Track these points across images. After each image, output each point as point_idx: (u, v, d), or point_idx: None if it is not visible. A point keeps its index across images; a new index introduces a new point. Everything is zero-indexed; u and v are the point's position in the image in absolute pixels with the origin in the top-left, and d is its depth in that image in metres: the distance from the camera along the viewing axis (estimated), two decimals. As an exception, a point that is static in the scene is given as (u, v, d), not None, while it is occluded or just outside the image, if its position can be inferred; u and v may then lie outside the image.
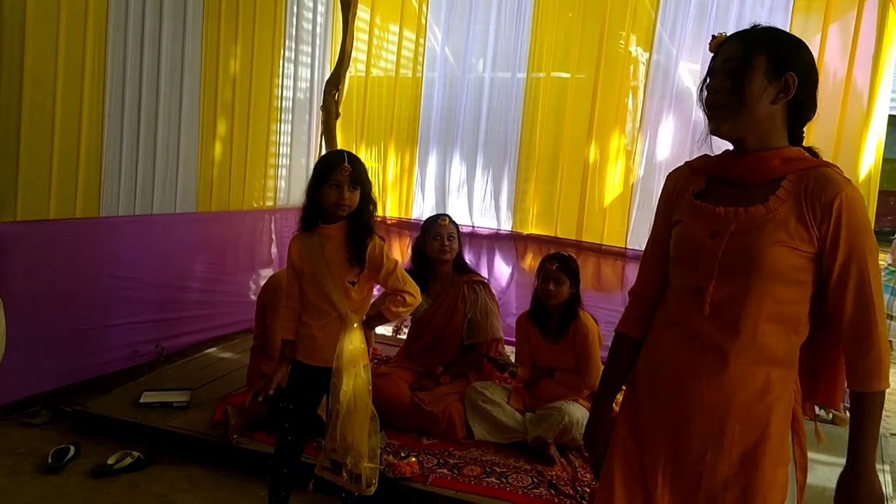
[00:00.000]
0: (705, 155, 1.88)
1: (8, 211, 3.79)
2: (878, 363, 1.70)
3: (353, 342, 2.81)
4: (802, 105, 1.75)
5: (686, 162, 1.96)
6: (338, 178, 2.75)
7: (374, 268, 2.84)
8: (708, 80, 1.78)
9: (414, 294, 2.92)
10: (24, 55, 3.73)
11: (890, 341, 4.82)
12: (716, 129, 1.77)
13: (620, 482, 1.87)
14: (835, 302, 1.69)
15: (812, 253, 1.67)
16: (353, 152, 6.24)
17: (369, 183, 2.87)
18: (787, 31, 1.82)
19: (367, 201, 2.85)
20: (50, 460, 3.52)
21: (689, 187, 1.87)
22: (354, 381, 2.80)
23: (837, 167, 1.72)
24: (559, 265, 3.85)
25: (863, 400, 1.74)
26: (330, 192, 2.77)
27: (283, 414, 2.97)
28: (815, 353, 1.85)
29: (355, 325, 2.83)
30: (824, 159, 1.78)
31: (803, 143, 1.83)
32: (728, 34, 1.79)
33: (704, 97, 1.78)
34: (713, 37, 1.81)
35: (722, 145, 1.88)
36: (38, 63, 3.83)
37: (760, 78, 1.69)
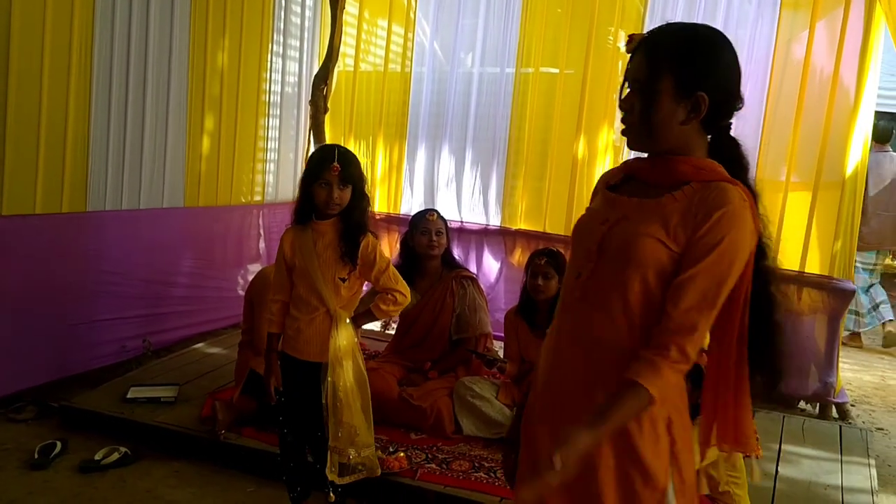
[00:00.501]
0: (638, 157, 1.83)
1: (-7, 205, 3.77)
2: (661, 369, 1.55)
3: (345, 338, 2.81)
4: (718, 114, 1.66)
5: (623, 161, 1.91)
6: (327, 176, 2.74)
7: (367, 266, 2.83)
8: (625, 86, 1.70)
9: (405, 293, 2.92)
10: (9, 47, 3.71)
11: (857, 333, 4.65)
12: (629, 144, 1.73)
13: (522, 479, 1.81)
14: (671, 294, 1.58)
15: (680, 254, 1.59)
16: (345, 147, 6.28)
17: (362, 180, 2.85)
18: (702, 29, 1.70)
19: (360, 198, 2.83)
20: (36, 456, 3.50)
21: (610, 181, 1.84)
22: (351, 373, 2.82)
23: (744, 188, 1.62)
24: (548, 260, 3.86)
25: (634, 388, 1.54)
26: (320, 191, 2.76)
27: (276, 408, 2.98)
28: (717, 394, 1.72)
29: (346, 321, 2.83)
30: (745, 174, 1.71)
31: (730, 143, 1.74)
32: (644, 37, 1.70)
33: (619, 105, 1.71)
34: (630, 38, 1.72)
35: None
36: (24, 55, 3.80)
37: (668, 102, 1.61)
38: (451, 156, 6.02)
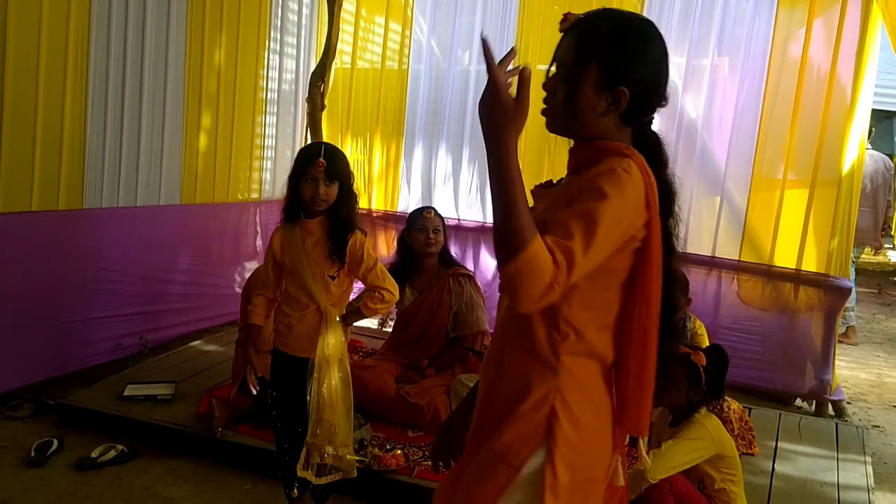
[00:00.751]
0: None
1: (-11, 203, 3.76)
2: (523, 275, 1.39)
3: (334, 336, 2.83)
4: (640, 110, 1.64)
5: None
6: (313, 172, 2.75)
7: (355, 263, 2.85)
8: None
9: (392, 291, 2.91)
10: (5, 44, 3.70)
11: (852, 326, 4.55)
12: (548, 128, 1.70)
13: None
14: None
15: None
16: (339, 145, 6.28)
17: (349, 176, 2.85)
18: (637, 21, 1.66)
19: (347, 195, 2.84)
20: (33, 453, 3.50)
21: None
22: (338, 373, 2.82)
23: (633, 160, 1.55)
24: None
25: None
26: (306, 187, 2.78)
27: (270, 403, 3.01)
28: (621, 381, 1.64)
29: (337, 319, 2.84)
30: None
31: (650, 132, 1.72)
32: (578, 18, 1.65)
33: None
34: (564, 17, 1.66)
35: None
36: (20, 53, 3.80)
37: (590, 91, 1.59)
38: (448, 153, 6.01)
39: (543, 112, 1.68)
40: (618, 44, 1.60)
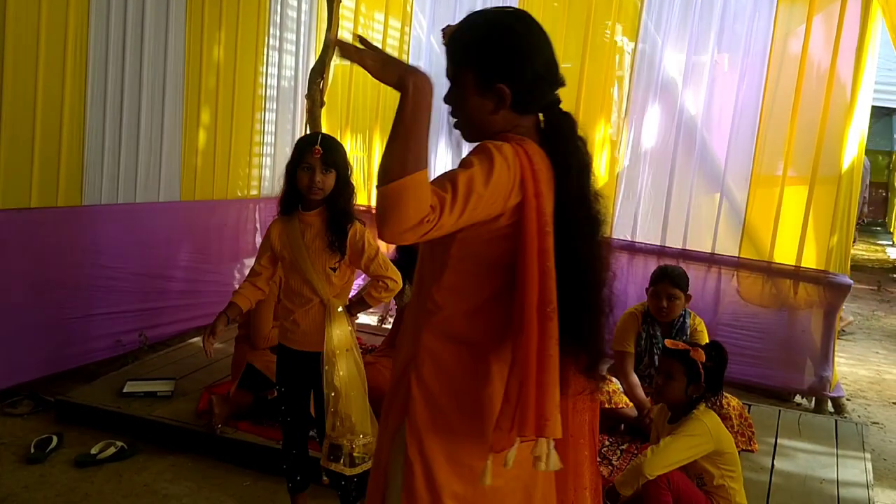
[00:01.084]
0: None
1: (-11, 199, 3.76)
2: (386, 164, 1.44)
3: (340, 327, 2.82)
4: (529, 96, 1.67)
5: None
6: (309, 160, 2.74)
7: (356, 254, 2.83)
8: None
9: (396, 279, 2.91)
10: (4, 41, 3.69)
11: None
12: (464, 138, 1.76)
13: None
14: None
15: None
16: (341, 141, 6.26)
17: (346, 167, 2.83)
18: (501, 19, 1.71)
19: (345, 185, 2.82)
20: (32, 450, 3.50)
21: None
22: (347, 363, 2.81)
23: (510, 143, 1.58)
24: None
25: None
26: (302, 175, 2.76)
27: (278, 399, 3.01)
28: (520, 377, 1.58)
29: (339, 310, 2.83)
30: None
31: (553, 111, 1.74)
32: (452, 30, 1.72)
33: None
34: (442, 32, 1.75)
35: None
36: (19, 49, 3.79)
37: (474, 97, 1.66)
38: (447, 149, 6.00)
39: (454, 126, 1.75)
40: (483, 46, 1.65)
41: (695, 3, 5.13)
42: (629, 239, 5.37)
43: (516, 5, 5.60)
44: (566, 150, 1.70)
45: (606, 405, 3.85)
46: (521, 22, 1.69)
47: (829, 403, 4.88)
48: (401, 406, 1.68)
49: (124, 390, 3.98)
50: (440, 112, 5.28)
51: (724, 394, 3.62)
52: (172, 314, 5.04)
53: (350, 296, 2.98)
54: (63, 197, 4.19)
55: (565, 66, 5.77)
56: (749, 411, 4.03)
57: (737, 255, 5.07)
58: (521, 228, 1.56)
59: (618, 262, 5.40)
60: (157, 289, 4.93)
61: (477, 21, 1.72)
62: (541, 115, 1.73)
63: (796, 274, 4.89)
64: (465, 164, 1.54)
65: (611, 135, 5.47)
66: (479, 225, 1.56)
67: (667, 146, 5.28)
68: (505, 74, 1.63)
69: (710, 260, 5.13)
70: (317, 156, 2.73)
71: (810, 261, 4.87)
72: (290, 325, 2.88)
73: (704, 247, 5.16)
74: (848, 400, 5.07)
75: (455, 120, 1.74)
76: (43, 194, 4.06)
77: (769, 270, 4.98)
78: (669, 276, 4.05)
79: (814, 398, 4.92)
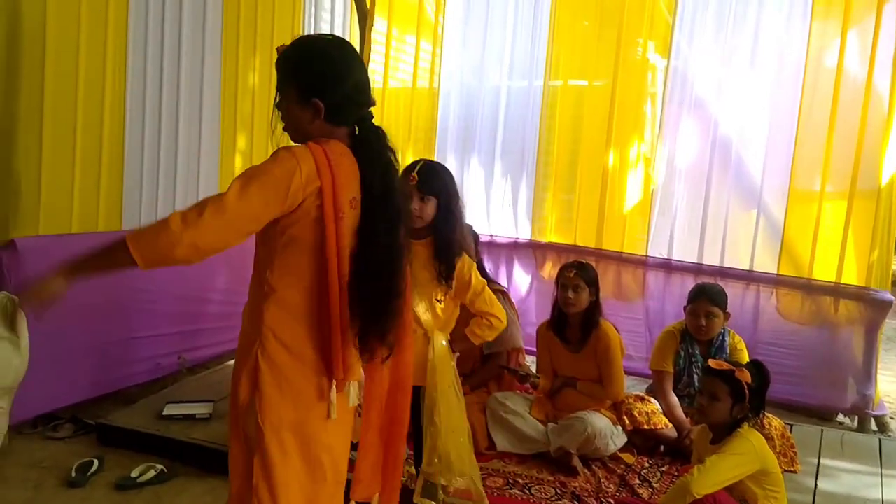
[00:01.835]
0: None
1: (30, 225, 3.82)
2: (155, 233, 1.88)
3: (443, 361, 2.73)
4: (339, 111, 2.00)
5: None
6: (407, 187, 2.63)
7: (462, 287, 2.75)
8: None
9: (500, 318, 2.81)
10: (44, 69, 3.77)
11: None
12: (292, 140, 2.06)
13: None
14: None
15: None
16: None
17: (449, 195, 2.73)
18: (320, 44, 2.08)
19: (447, 214, 2.71)
20: (74, 474, 3.53)
21: None
22: (449, 400, 2.72)
23: (308, 145, 1.94)
24: (577, 272, 3.83)
25: (118, 243, 1.89)
26: None
27: None
28: (330, 334, 1.97)
29: (442, 343, 2.74)
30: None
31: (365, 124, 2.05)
32: (285, 49, 2.04)
33: None
34: (277, 50, 2.04)
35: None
36: (59, 78, 3.86)
37: (295, 108, 2.00)
38: (480, 169, 6.02)
39: (283, 129, 2.08)
40: (302, 65, 2.00)
41: (727, 19, 5.11)
42: (665, 257, 5.33)
43: (548, 23, 5.64)
44: (370, 153, 2.01)
45: (645, 426, 3.81)
46: (338, 49, 2.04)
47: (873, 422, 4.79)
48: (250, 380, 2.00)
49: (164, 413, 4.01)
50: (473, 130, 5.29)
51: (766, 413, 3.56)
52: (210, 337, 5.08)
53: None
54: (103, 222, 4.25)
55: (597, 83, 5.85)
56: (791, 431, 3.97)
57: (775, 272, 5.01)
58: (321, 213, 1.90)
59: (655, 280, 5.37)
60: (195, 312, 4.97)
61: (303, 44, 2.09)
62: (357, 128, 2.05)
63: (836, 291, 4.82)
64: (259, 167, 1.91)
65: (644, 152, 5.45)
66: (292, 213, 1.90)
67: (702, 162, 5.24)
68: (319, 92, 1.96)
69: (749, 277, 5.07)
70: (412, 182, 2.64)
71: (851, 277, 4.79)
72: None
73: (742, 264, 5.11)
74: (892, 418, 4.97)
75: (284, 124, 2.06)
76: (83, 220, 4.12)
77: (809, 287, 4.91)
78: (707, 294, 4.01)
79: (857, 417, 4.83)
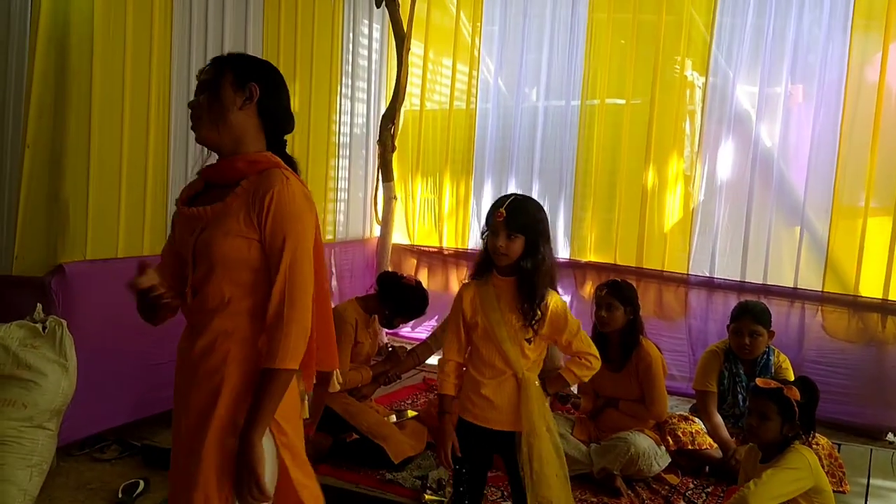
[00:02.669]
0: (210, 164, 2.15)
1: (78, 250, 3.90)
2: (284, 342, 1.88)
3: (538, 403, 2.61)
4: (273, 114, 2.04)
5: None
6: (494, 224, 2.57)
7: (556, 328, 2.63)
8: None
9: (598, 357, 2.70)
10: (91, 100, 3.86)
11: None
12: (198, 137, 2.06)
13: None
14: (272, 277, 1.92)
15: (258, 240, 1.93)
16: (409, 185, 6.38)
17: (537, 232, 2.59)
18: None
19: (534, 252, 2.57)
20: (120, 495, 3.58)
21: (191, 193, 2.15)
22: (546, 443, 2.61)
23: (286, 169, 1.99)
24: (609, 291, 3.81)
25: (267, 375, 1.89)
26: (489, 238, 2.59)
27: (456, 477, 2.80)
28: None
29: (535, 384, 2.63)
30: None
31: (285, 152, 2.11)
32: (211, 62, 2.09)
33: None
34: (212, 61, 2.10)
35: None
36: (105, 108, 3.95)
37: (228, 89, 2.00)
38: (517, 189, 6.03)
39: (193, 125, 2.08)
40: (246, 59, 2.12)
41: (766, 35, 5.08)
42: (707, 275, 5.28)
43: (584, 42, 5.65)
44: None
45: (690, 446, 3.76)
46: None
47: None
48: (209, 395, 1.95)
49: (207, 435, 4.04)
50: (510, 150, 5.31)
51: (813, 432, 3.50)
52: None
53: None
54: (148, 246, 4.32)
55: (635, 102, 5.86)
56: (839, 451, 3.89)
57: (820, 289, 4.93)
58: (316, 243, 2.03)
59: (697, 298, 5.32)
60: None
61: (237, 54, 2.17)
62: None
63: (884, 307, 4.72)
64: (293, 236, 1.95)
65: (684, 169, 5.41)
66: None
67: (743, 180, 5.20)
68: (258, 77, 2.05)
69: (793, 295, 5.00)
70: (499, 219, 2.56)
71: (899, 293, 4.71)
72: (479, 400, 2.65)
73: (786, 281, 5.04)
74: (944, 438, 4.84)
75: (194, 122, 2.09)
76: (129, 244, 4.20)
77: (855, 304, 4.82)
78: (751, 313, 3.96)
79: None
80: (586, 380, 2.78)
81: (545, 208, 5.88)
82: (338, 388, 2.26)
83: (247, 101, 2.00)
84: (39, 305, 3.46)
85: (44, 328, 3.38)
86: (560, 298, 2.66)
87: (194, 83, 4.61)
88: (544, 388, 2.67)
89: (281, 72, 2.15)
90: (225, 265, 1.94)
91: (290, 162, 2.08)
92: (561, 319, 2.62)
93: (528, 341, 2.60)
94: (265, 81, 2.04)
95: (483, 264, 2.67)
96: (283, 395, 1.91)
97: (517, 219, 2.55)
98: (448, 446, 2.68)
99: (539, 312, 2.57)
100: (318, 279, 2.01)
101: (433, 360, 4.53)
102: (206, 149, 2.09)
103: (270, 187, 1.92)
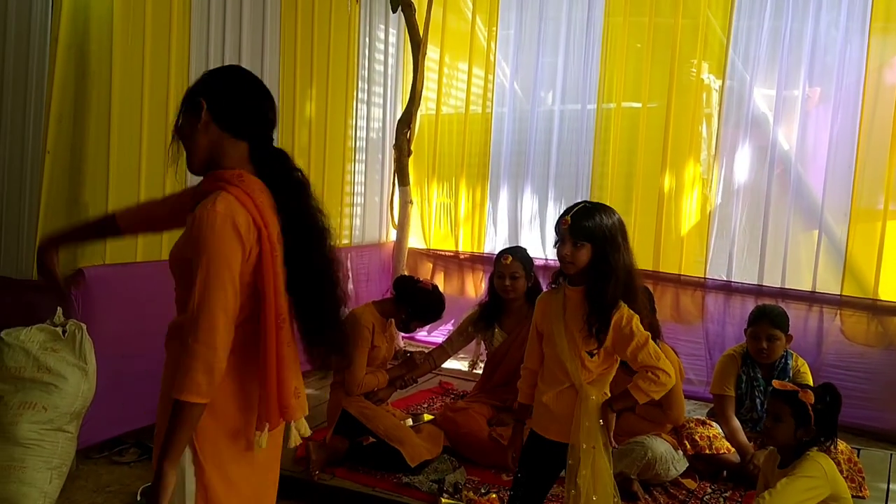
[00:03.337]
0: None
1: (97, 254, 3.93)
2: (185, 373, 1.76)
3: (590, 419, 2.53)
4: (233, 119, 1.94)
5: None
6: (560, 230, 2.53)
7: (622, 341, 2.53)
8: None
9: (668, 372, 2.55)
10: (110, 104, 3.89)
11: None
12: (192, 172, 2.02)
13: None
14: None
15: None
16: (425, 189, 6.39)
17: (605, 239, 2.49)
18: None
19: (602, 262, 2.49)
20: (139, 497, 3.59)
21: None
22: (593, 463, 2.53)
23: (234, 188, 1.84)
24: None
25: (173, 405, 1.80)
26: (558, 247, 2.54)
27: (514, 482, 2.79)
28: (264, 376, 1.90)
29: (592, 398, 2.54)
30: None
31: (269, 150, 2.01)
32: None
33: None
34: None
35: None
36: (124, 114, 3.99)
37: (185, 117, 1.96)
38: (533, 193, 6.04)
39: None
40: (208, 76, 2.01)
41: (783, 37, 5.06)
42: (725, 279, 5.26)
43: (599, 46, 5.65)
44: (279, 178, 1.96)
45: (707, 450, 3.74)
46: (245, 74, 2.06)
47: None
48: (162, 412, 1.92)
49: (224, 438, 4.06)
50: (526, 154, 5.31)
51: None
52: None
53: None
54: (166, 251, 4.33)
55: (651, 105, 5.85)
56: (858, 455, 3.86)
57: (839, 292, 4.90)
58: (259, 259, 1.84)
59: (714, 302, 5.29)
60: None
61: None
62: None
63: (904, 310, 4.70)
64: (204, 249, 1.81)
65: (701, 173, 5.40)
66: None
67: (760, 183, 5.18)
68: (204, 92, 1.96)
69: (811, 298, 4.97)
70: (564, 227, 2.50)
71: (918, 296, 4.68)
72: (539, 407, 2.64)
73: (804, 285, 5.01)
74: (966, 443, 4.79)
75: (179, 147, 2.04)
76: (147, 248, 4.23)
77: (874, 308, 4.79)
78: (769, 316, 3.94)
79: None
80: (657, 397, 2.60)
81: (560, 212, 5.93)
82: (299, 441, 2.10)
83: (202, 119, 1.93)
84: (59, 309, 3.49)
85: (64, 332, 3.41)
86: (629, 310, 2.54)
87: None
88: (610, 404, 2.58)
89: (242, 67, 2.14)
90: (177, 280, 2.01)
91: (275, 159, 1.99)
92: (626, 331, 2.51)
93: (591, 354, 2.53)
94: (210, 92, 1.94)
95: (557, 273, 2.63)
96: (192, 429, 1.80)
97: (582, 226, 2.48)
98: (509, 453, 2.72)
99: (602, 324, 2.49)
100: (266, 321, 1.85)
101: (449, 364, 4.54)
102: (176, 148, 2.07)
103: (196, 209, 1.85)
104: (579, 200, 2.68)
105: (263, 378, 1.88)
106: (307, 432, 2.04)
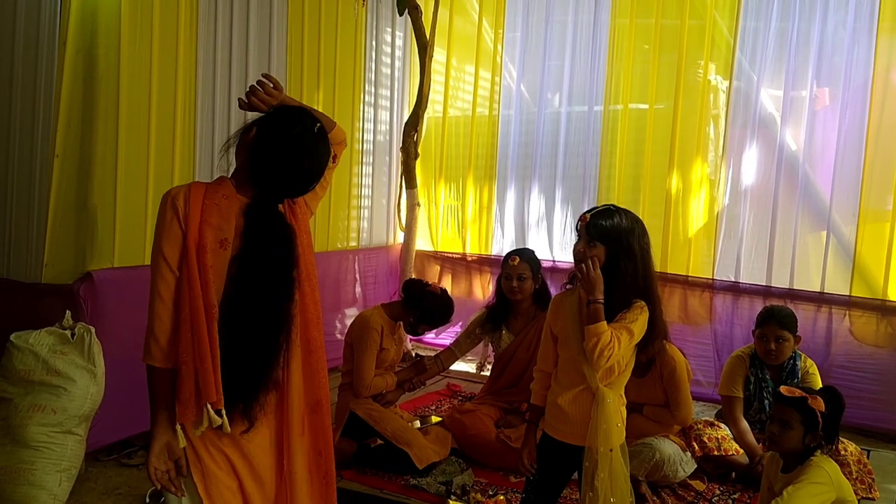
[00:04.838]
0: None
1: (106, 258, 3.95)
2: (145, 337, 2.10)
3: (608, 421, 2.50)
4: (255, 163, 2.18)
5: None
6: (578, 230, 2.54)
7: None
8: None
9: (619, 343, 2.50)
10: (118, 110, 3.91)
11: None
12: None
13: None
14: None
15: None
16: (432, 191, 6.40)
17: (619, 238, 2.49)
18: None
19: (616, 260, 2.48)
20: (147, 500, 3.60)
21: None
22: (611, 466, 2.51)
23: (197, 187, 2.11)
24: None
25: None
26: (575, 244, 2.55)
27: (526, 484, 2.81)
28: (194, 362, 2.09)
29: (609, 401, 2.51)
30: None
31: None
32: None
33: None
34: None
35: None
36: (132, 118, 4.00)
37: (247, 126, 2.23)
38: (540, 195, 6.03)
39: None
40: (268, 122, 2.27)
41: (790, 38, 5.04)
42: (732, 279, 5.25)
43: (606, 47, 5.65)
44: (259, 230, 2.12)
45: (716, 452, 3.73)
46: (298, 137, 2.31)
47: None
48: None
49: (233, 440, 4.07)
50: (533, 156, 5.29)
51: (841, 439, 3.47)
52: (277, 365, 5.14)
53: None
54: (174, 254, 4.36)
55: (658, 107, 5.85)
56: (868, 457, 3.84)
57: (848, 293, 4.88)
58: (184, 250, 2.02)
59: (722, 303, 5.28)
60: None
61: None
62: None
63: (913, 311, 4.68)
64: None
65: (708, 174, 5.39)
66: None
67: (768, 184, 5.16)
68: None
69: (820, 299, 4.96)
70: (582, 223, 2.51)
71: (926, 297, 4.66)
72: (554, 409, 2.60)
73: (813, 286, 5.00)
74: (977, 444, 4.77)
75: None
76: (155, 252, 4.25)
77: (883, 309, 4.77)
78: (777, 318, 3.92)
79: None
80: (589, 349, 2.48)
81: (568, 214, 5.93)
82: (213, 424, 2.11)
83: (247, 142, 2.26)
84: (68, 312, 3.51)
85: (72, 335, 3.42)
86: (642, 305, 2.53)
87: (219, 92, 4.71)
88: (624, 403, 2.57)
89: (299, 104, 2.45)
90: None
91: (263, 213, 2.17)
92: (625, 315, 2.50)
93: None
94: (262, 125, 2.27)
95: (573, 275, 2.62)
96: (156, 390, 2.18)
97: (598, 225, 2.48)
98: (524, 454, 2.69)
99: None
100: (192, 302, 2.03)
101: (457, 366, 4.54)
102: (226, 153, 2.24)
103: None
104: (607, 203, 2.65)
105: (195, 359, 2.05)
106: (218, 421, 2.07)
